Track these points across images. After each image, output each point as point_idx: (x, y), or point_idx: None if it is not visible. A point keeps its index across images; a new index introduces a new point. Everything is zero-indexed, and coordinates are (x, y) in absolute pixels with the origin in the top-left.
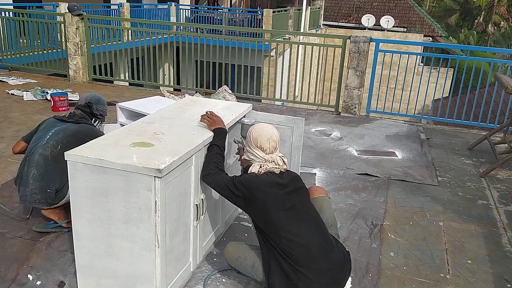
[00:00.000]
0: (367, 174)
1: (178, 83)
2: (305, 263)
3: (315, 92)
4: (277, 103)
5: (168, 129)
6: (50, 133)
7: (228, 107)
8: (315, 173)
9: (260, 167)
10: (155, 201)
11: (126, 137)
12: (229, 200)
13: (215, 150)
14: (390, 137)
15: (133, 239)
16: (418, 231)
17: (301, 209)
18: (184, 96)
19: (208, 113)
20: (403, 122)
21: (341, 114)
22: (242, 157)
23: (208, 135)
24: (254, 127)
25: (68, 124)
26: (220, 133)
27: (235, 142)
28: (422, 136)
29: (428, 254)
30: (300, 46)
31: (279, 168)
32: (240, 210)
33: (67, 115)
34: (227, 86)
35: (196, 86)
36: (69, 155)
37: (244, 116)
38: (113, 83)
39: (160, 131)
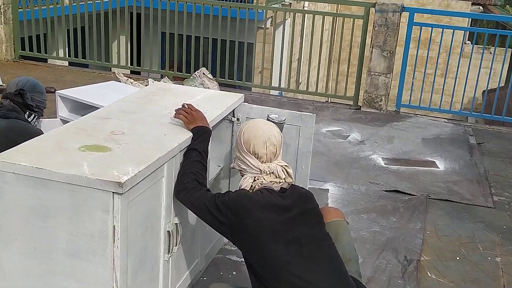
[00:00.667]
0: (398, 191)
1: (138, 64)
2: None
3: (326, 78)
4: (273, 92)
5: (130, 127)
6: None
7: (211, 98)
8: (328, 190)
9: (254, 180)
10: (113, 226)
11: (73, 138)
12: (211, 227)
13: (194, 156)
14: (429, 141)
15: (82, 278)
16: (468, 269)
17: (310, 241)
18: (148, 82)
19: (185, 106)
20: (446, 120)
21: (361, 109)
22: (231, 165)
23: (185, 136)
24: (246, 125)
25: None
26: (201, 134)
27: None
28: (472, 140)
29: None
30: (306, 15)
31: (280, 182)
32: (226, 239)
33: None
34: (206, 69)
35: (163, 69)
36: None
37: (233, 112)
38: (47, 61)
39: (119, 130)
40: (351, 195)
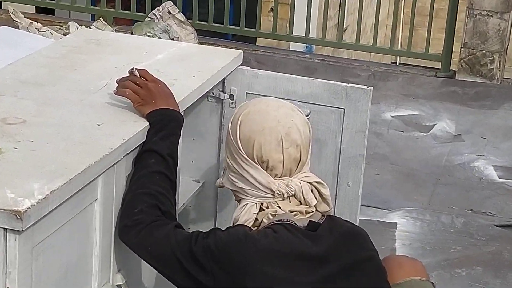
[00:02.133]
0: None
1: None
2: None
3: (392, 22)
4: (294, 46)
5: (36, 111)
6: None
7: (182, 58)
8: (395, 223)
9: (261, 210)
10: None
11: None
12: None
13: (152, 164)
14: None
15: None
16: None
17: None
18: (67, 29)
19: (136, 73)
20: None
21: (456, 76)
22: (217, 181)
23: (136, 127)
24: (245, 109)
25: None
26: (165, 123)
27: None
28: None
29: None
30: None
31: (308, 212)
32: None
33: None
34: (175, 5)
35: (94, 4)
36: None
37: (222, 84)
38: None
39: (16, 117)
40: (438, 233)
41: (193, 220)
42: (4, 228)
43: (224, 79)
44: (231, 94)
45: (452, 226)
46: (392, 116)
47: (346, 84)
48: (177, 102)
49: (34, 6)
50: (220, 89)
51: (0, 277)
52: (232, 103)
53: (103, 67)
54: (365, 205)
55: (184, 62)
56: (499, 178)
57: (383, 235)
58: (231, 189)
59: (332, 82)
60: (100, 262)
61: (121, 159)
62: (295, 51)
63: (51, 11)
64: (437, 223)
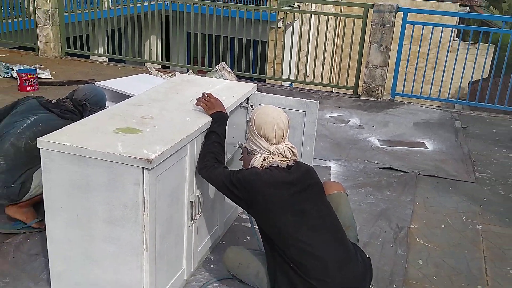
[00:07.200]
0: (392, 169)
1: (167, 59)
2: (317, 276)
3: (330, 71)
4: (284, 83)
5: (158, 113)
6: (29, 121)
7: (228, 88)
8: (330, 167)
9: (264, 159)
10: (144, 197)
11: (108, 122)
12: (229, 199)
13: (213, 138)
14: (419, 125)
15: (117, 242)
16: (452, 236)
17: (313, 212)
18: (175, 75)
19: (205, 94)
20: (435, 107)
21: (361, 97)
22: (243, 145)
23: (205, 120)
24: (257, 111)
25: (50, 114)
26: (219, 118)
27: (239, 147)
28: (457, 124)
29: (463, 263)
30: (313, 16)
31: (286, 161)
32: (240, 209)
33: (54, 101)
34: (225, 63)
35: (188, 63)
36: (43, 142)
37: (247, 100)
38: (89, 58)
39: (148, 115)
40: (351, 171)
41: (233, 164)
42: (143, 168)
43: (248, 97)
44: (251, 105)
45: (357, 168)
46: (329, 116)
47: (306, 100)
48: (225, 108)
49: (160, 65)
50: (246, 103)
51: (141, 191)
52: (252, 109)
53: (190, 92)
54: (315, 158)
55: (229, 90)
56: (380, 146)
57: (324, 172)
58: (249, 149)
59: (300, 99)
60: (188, 184)
61: (198, 135)
62: (283, 85)
63: (167, 67)
64: (350, 167)
